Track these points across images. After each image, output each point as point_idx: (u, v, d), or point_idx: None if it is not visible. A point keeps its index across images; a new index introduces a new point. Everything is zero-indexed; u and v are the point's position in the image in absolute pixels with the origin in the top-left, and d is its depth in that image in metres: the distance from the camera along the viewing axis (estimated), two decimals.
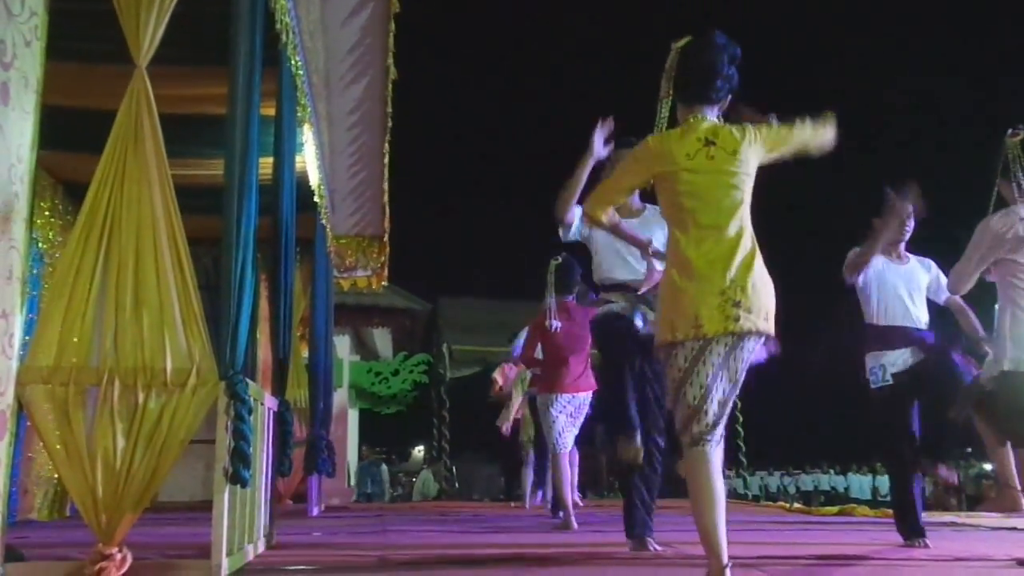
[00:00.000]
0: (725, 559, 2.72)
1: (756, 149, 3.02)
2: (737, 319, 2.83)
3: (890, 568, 3.74)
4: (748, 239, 2.95)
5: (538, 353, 6.50)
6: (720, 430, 2.89)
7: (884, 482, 27.56)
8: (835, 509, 9.20)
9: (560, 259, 6.39)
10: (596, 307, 4.77)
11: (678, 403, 2.92)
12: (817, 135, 3.10)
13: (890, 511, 7.66)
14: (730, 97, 3.13)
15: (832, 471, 28.30)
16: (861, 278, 4.79)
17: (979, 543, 4.81)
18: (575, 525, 6.10)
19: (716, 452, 2.87)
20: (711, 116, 3.08)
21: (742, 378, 2.92)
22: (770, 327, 2.90)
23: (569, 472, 6.54)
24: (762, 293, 2.90)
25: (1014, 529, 5.49)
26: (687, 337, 2.86)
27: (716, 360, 2.86)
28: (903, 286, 4.78)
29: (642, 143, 3.11)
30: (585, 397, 6.43)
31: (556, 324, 6.25)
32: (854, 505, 9.52)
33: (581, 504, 8.34)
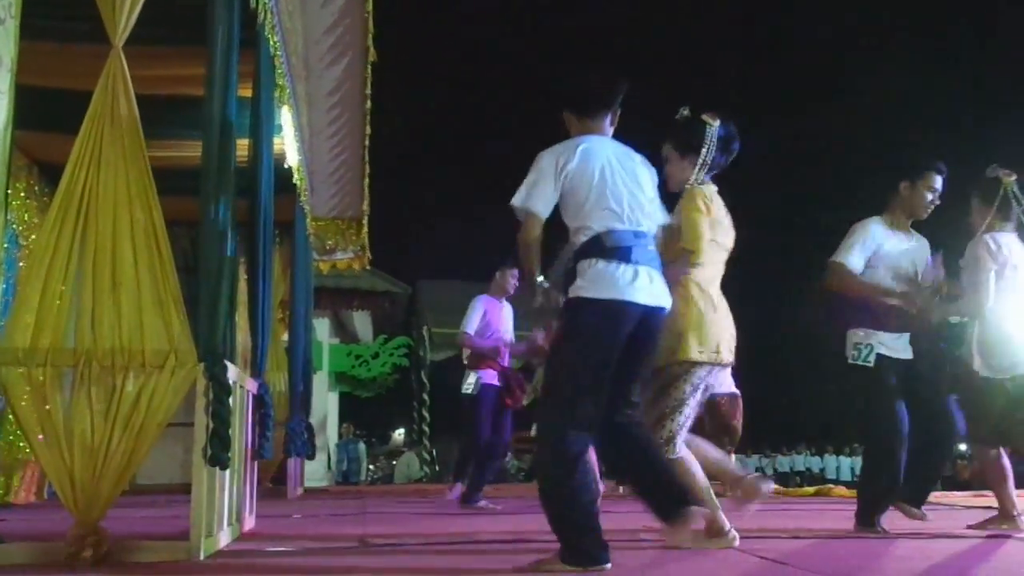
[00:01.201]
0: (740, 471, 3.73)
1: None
2: (731, 351, 3.65)
3: (866, 544, 3.79)
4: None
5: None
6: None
7: (860, 463, 27.88)
8: (812, 490, 9.30)
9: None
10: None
11: (677, 415, 3.54)
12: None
13: None
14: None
15: (808, 452, 28.58)
16: (871, 255, 4.48)
17: (951, 520, 4.87)
18: None
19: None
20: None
21: None
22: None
23: None
24: None
25: (988, 508, 5.56)
26: (709, 360, 3.54)
27: (709, 382, 3.63)
28: (911, 264, 4.51)
29: (700, 200, 3.60)
30: None
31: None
32: (831, 486, 9.63)
33: None
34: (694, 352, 3.50)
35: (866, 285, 4.44)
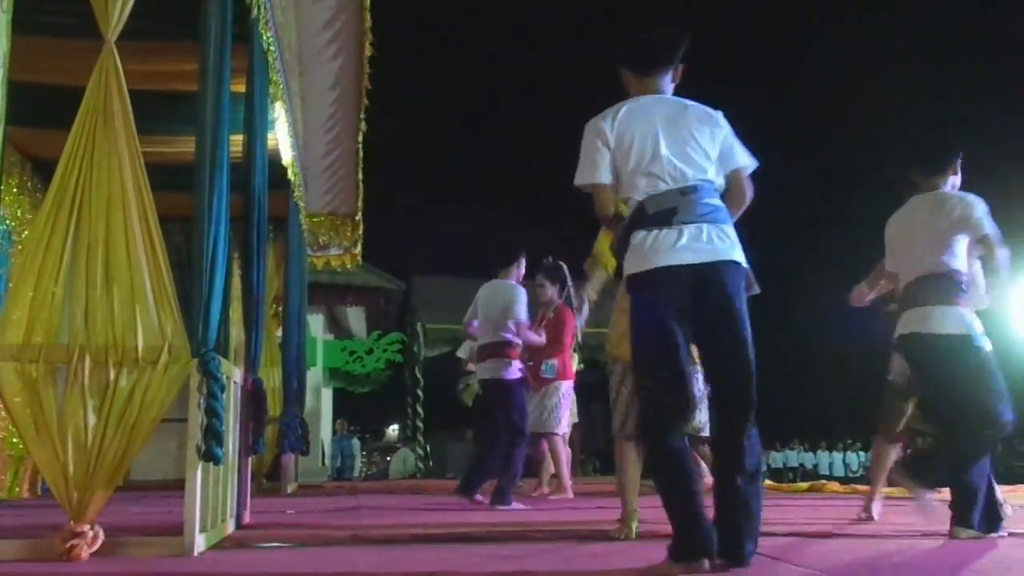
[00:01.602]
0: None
1: None
2: None
3: (860, 542, 3.80)
4: None
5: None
6: None
7: (854, 459, 27.96)
8: (805, 486, 9.31)
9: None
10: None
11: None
12: None
13: (861, 487, 7.77)
14: None
15: (802, 448, 28.64)
16: None
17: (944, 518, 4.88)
18: None
19: None
20: None
21: None
22: None
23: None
24: None
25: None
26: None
27: None
28: None
29: None
30: None
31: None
32: (824, 482, 9.65)
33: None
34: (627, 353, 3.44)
35: None
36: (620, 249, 3.01)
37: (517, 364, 6.30)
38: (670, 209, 2.87)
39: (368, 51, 7.01)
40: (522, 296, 6.28)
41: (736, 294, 2.86)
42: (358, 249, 9.91)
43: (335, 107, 7.79)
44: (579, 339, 7.53)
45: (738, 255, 2.89)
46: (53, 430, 3.14)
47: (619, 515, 4.07)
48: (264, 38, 4.94)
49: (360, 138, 8.27)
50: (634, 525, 3.99)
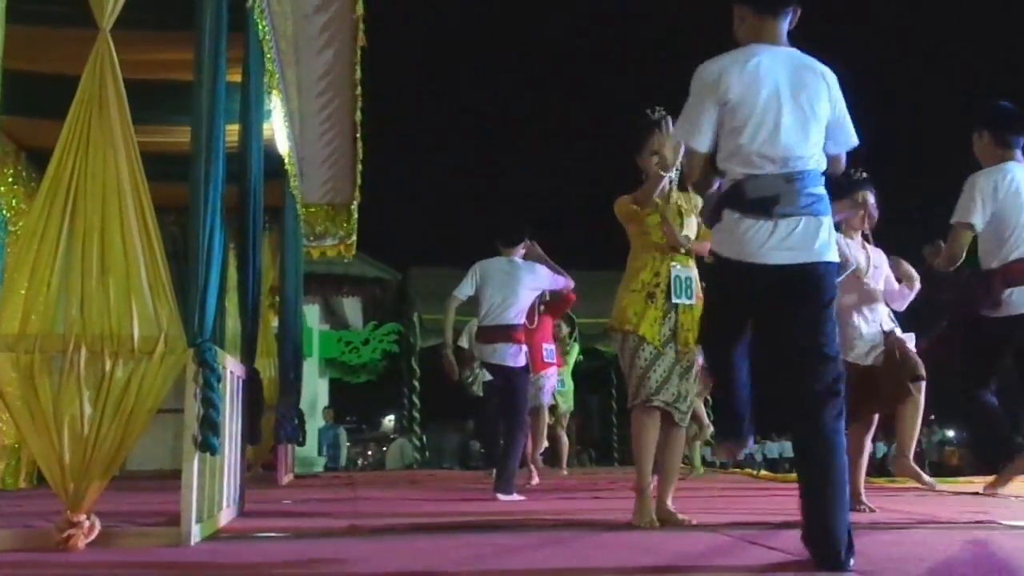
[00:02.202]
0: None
1: None
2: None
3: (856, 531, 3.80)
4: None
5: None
6: None
7: None
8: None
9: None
10: None
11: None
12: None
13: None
14: None
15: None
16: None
17: (940, 507, 4.91)
18: None
19: None
20: None
21: None
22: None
23: None
24: None
25: (976, 494, 5.61)
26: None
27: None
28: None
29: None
30: None
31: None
32: None
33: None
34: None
35: None
36: (711, 219, 2.87)
37: (524, 349, 6.23)
38: (772, 198, 2.70)
39: (362, 40, 6.99)
40: (543, 270, 6.25)
41: (819, 296, 2.72)
42: (354, 239, 9.90)
43: (330, 96, 7.76)
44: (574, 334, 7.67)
45: (832, 254, 2.75)
46: (49, 420, 3.14)
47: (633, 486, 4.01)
48: (260, 27, 4.92)
49: (356, 128, 8.25)
50: (649, 508, 3.92)
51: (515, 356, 6.11)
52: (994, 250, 4.05)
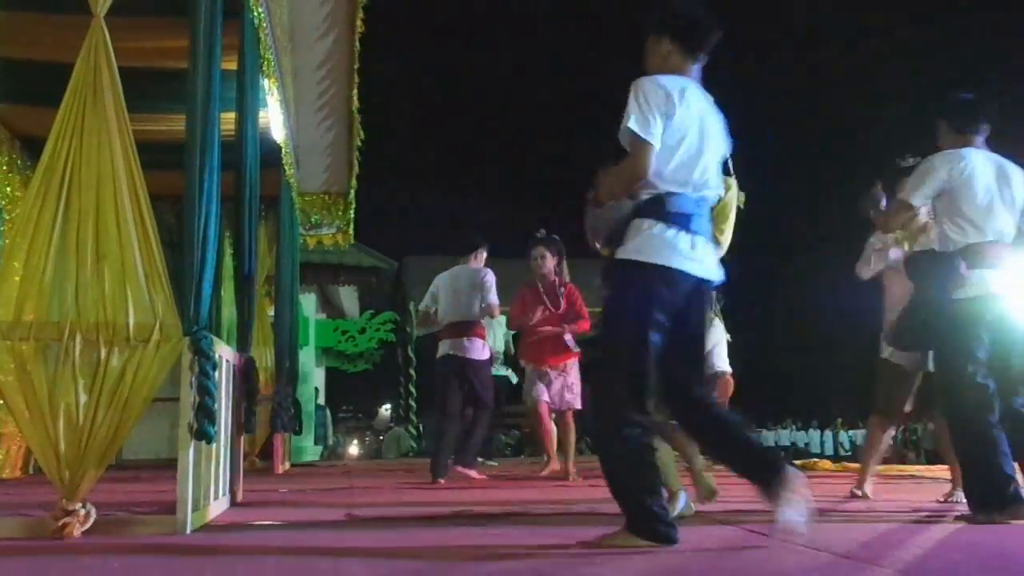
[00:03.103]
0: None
1: None
2: None
3: (853, 520, 3.82)
4: None
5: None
6: None
7: (846, 438, 28.13)
8: (797, 464, 9.36)
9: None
10: None
11: None
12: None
13: (851, 465, 7.80)
14: None
15: (794, 427, 28.80)
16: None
17: (938, 495, 4.92)
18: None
19: None
20: None
21: None
22: None
23: None
24: None
25: None
26: None
27: None
28: None
29: None
30: None
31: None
32: (816, 460, 9.69)
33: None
34: None
35: None
36: (617, 227, 2.97)
37: (482, 343, 6.77)
38: (687, 215, 2.92)
39: (360, 28, 6.96)
40: (490, 278, 6.75)
41: (706, 311, 3.14)
42: (350, 228, 9.87)
43: (327, 85, 7.73)
44: None
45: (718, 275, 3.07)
46: (44, 408, 3.13)
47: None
48: (255, 14, 4.90)
49: (354, 116, 8.21)
50: (685, 501, 3.85)
51: (473, 348, 6.71)
52: (950, 234, 4.08)
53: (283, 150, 7.05)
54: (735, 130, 3.18)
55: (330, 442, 17.03)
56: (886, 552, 2.82)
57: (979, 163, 3.97)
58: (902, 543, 3.05)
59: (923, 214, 4.35)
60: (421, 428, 17.81)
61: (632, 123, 2.88)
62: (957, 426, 3.81)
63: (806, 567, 2.53)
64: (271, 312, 8.30)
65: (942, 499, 4.54)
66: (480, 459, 7.63)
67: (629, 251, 2.93)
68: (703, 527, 3.44)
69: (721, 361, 5.63)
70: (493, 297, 6.68)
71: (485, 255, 7.00)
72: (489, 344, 7.16)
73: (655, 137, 2.88)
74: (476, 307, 6.69)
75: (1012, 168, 4.02)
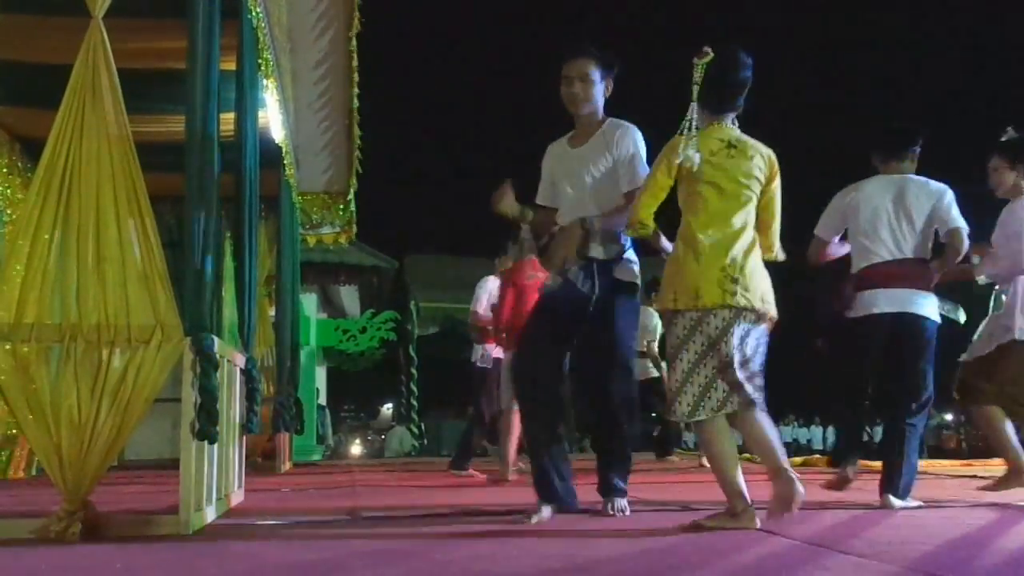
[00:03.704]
0: (748, 500, 3.19)
1: (764, 175, 3.40)
2: (734, 293, 3.20)
3: (852, 514, 3.82)
4: (750, 233, 3.34)
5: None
6: (716, 400, 3.23)
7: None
8: (799, 460, 9.37)
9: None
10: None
11: (671, 372, 3.34)
12: (773, 233, 3.50)
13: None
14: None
15: (796, 424, 28.77)
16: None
17: (940, 489, 4.92)
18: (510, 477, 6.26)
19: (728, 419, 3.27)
20: (730, 120, 3.44)
21: (749, 353, 3.25)
22: (768, 309, 3.28)
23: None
24: (759, 278, 3.30)
25: (974, 476, 5.63)
26: (687, 307, 3.25)
27: (714, 334, 3.21)
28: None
29: (670, 143, 3.38)
30: None
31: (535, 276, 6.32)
32: (817, 456, 9.70)
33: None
34: (667, 301, 3.33)
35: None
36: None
37: (481, 350, 7.12)
38: None
39: (357, 27, 6.96)
40: (485, 285, 6.95)
41: None
42: (351, 227, 9.87)
43: (326, 84, 7.73)
44: None
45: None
46: (46, 410, 3.14)
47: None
48: (253, 14, 4.90)
49: (353, 115, 8.21)
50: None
51: (474, 355, 7.22)
52: (853, 257, 4.39)
53: (283, 150, 7.05)
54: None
55: (331, 442, 17.06)
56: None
57: (872, 189, 4.30)
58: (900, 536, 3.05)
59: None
60: (423, 427, 17.84)
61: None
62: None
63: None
64: (272, 312, 8.30)
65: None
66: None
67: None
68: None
69: None
70: (473, 304, 6.94)
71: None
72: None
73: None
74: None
75: (915, 186, 4.25)
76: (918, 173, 4.34)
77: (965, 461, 9.40)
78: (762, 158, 3.40)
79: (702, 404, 3.23)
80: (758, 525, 3.12)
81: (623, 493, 3.76)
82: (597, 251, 3.69)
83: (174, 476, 3.41)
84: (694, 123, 3.40)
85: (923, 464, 8.38)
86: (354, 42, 7.11)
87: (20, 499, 4.96)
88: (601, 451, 3.84)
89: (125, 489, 5.47)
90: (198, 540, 3.19)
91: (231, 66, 4.65)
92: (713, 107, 3.41)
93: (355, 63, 7.43)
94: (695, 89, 3.38)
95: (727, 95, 3.41)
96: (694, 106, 3.40)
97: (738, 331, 3.21)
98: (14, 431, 6.89)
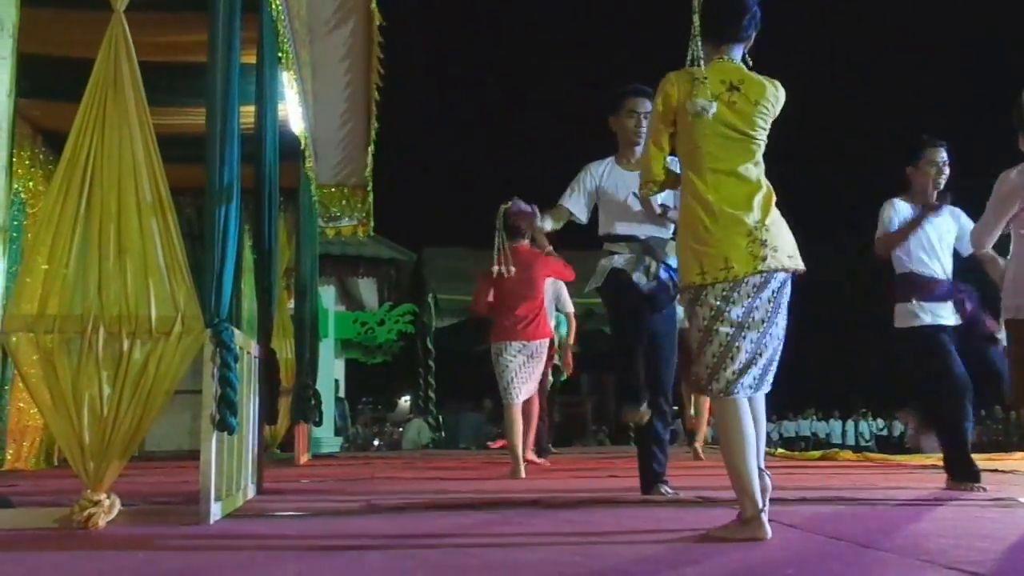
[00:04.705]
0: (760, 504, 2.81)
1: (775, 108, 3.05)
2: (765, 258, 2.89)
3: (872, 509, 3.80)
4: (764, 183, 3.00)
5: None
6: (753, 375, 2.92)
7: (865, 427, 27.98)
8: (818, 454, 9.34)
9: (510, 203, 6.23)
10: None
11: (706, 346, 2.93)
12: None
13: (872, 455, 7.78)
14: (754, 34, 3.11)
15: (815, 418, 28.65)
16: (895, 225, 4.79)
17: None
18: (523, 474, 6.06)
19: (757, 398, 3.00)
20: (737, 54, 3.07)
21: (779, 319, 2.96)
22: (797, 263, 2.96)
23: (521, 423, 6.32)
24: (784, 232, 2.97)
25: (995, 471, 5.59)
26: (716, 280, 2.90)
27: (747, 301, 2.90)
28: (935, 236, 4.80)
29: (661, 84, 3.05)
30: (539, 344, 6.36)
31: (507, 270, 6.18)
32: (837, 450, 9.67)
33: (538, 462, 7.39)
34: (693, 275, 2.97)
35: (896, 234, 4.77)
36: None
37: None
38: None
39: (378, 19, 6.96)
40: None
41: None
42: (369, 220, 9.89)
43: (346, 77, 7.74)
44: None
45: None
46: (68, 400, 3.17)
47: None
48: (273, 7, 4.91)
49: (372, 108, 8.22)
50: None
51: None
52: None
53: (302, 143, 7.07)
54: None
55: (349, 433, 17.13)
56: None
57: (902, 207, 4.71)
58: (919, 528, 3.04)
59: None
60: (441, 420, 17.87)
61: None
62: None
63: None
64: (291, 304, 8.34)
65: None
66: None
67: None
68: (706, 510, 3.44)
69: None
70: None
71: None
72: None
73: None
74: None
75: None
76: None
77: (989, 456, 9.32)
78: (768, 100, 3.03)
79: (740, 380, 2.90)
80: (768, 535, 2.78)
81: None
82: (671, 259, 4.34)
83: (194, 467, 3.43)
84: (700, 61, 3.03)
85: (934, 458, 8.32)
86: (376, 34, 7.11)
87: (42, 488, 5.01)
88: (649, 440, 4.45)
89: (146, 479, 5.52)
90: (217, 530, 3.22)
91: (251, 59, 4.67)
92: (714, 36, 3.05)
93: (378, 54, 7.42)
94: (695, 20, 3.04)
95: (729, 19, 3.04)
96: (698, 40, 3.05)
97: (766, 294, 2.92)
98: (28, 423, 6.96)
